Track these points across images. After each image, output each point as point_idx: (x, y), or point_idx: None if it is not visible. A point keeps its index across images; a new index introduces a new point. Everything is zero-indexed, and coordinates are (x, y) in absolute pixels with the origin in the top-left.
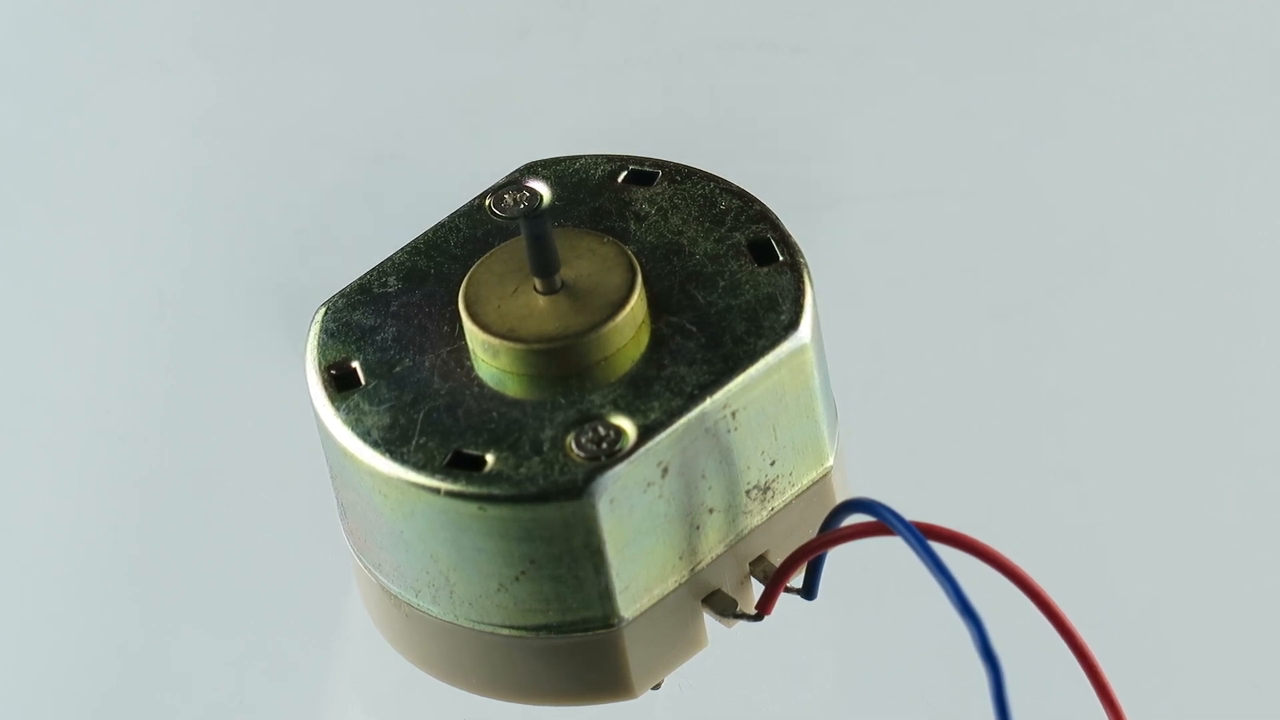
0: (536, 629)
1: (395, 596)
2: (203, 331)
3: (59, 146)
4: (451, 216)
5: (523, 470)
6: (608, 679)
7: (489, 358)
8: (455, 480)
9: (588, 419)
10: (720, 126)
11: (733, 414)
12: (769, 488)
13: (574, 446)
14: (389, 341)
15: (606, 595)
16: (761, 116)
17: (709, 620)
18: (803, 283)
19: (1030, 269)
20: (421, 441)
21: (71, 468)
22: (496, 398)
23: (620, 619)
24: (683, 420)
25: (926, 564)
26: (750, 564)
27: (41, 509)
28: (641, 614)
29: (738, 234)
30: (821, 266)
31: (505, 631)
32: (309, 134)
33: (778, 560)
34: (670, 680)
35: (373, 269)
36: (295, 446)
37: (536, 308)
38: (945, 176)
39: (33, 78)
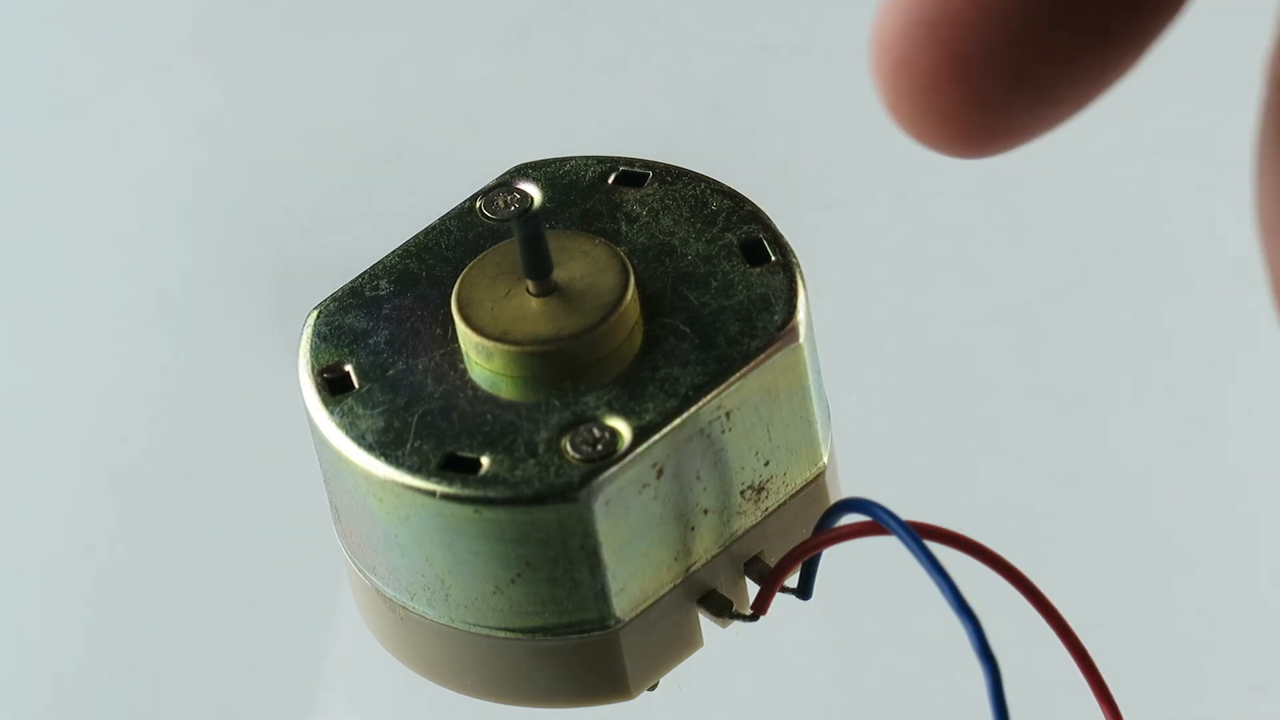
0: (532, 631)
1: (390, 600)
2: (202, 333)
3: (59, 148)
4: (442, 219)
5: (518, 473)
6: (604, 681)
7: (483, 360)
8: (450, 483)
9: (582, 421)
10: (720, 128)
11: (727, 415)
12: (763, 488)
13: (569, 449)
14: (382, 345)
15: (602, 597)
16: (761, 117)
17: (704, 621)
18: (795, 283)
19: (1028, 271)
20: (416, 445)
21: (69, 468)
22: (490, 400)
23: (616, 620)
24: (678, 421)
25: (922, 563)
26: (745, 564)
27: (38, 510)
28: (637, 615)
29: (729, 234)
30: (820, 267)
31: (501, 634)
32: (308, 136)
33: (773, 560)
34: (666, 681)
35: (364, 272)
36: (292, 449)
37: (530, 310)
38: (944, 178)
39: (33, 79)
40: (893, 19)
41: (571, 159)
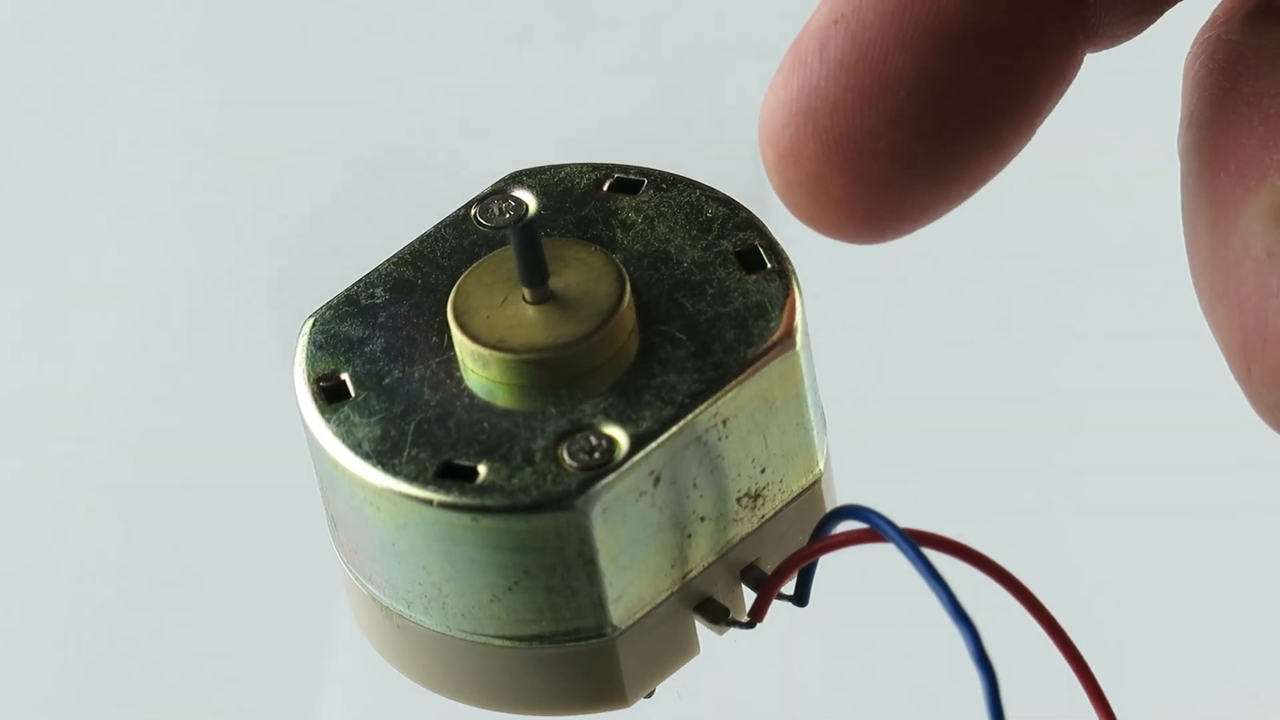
0: (529, 639)
1: (386, 608)
2: (198, 341)
3: (57, 153)
4: (438, 227)
5: (515, 481)
6: (601, 688)
7: (479, 368)
8: (448, 492)
9: (579, 429)
10: (720, 133)
11: (724, 422)
12: (760, 495)
13: (566, 456)
14: (378, 353)
15: (599, 605)
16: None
17: (701, 628)
18: (791, 289)
19: (1024, 278)
20: (413, 453)
21: (64, 476)
22: (487, 408)
23: (613, 628)
24: (675, 429)
25: (919, 570)
26: (742, 572)
27: (36, 515)
28: (634, 623)
29: (725, 241)
30: (816, 274)
31: (498, 642)
32: (304, 143)
33: (769, 568)
34: (663, 688)
35: (360, 280)
36: (288, 458)
37: (526, 318)
38: None
39: (31, 85)
40: (776, 112)
41: (566, 166)
